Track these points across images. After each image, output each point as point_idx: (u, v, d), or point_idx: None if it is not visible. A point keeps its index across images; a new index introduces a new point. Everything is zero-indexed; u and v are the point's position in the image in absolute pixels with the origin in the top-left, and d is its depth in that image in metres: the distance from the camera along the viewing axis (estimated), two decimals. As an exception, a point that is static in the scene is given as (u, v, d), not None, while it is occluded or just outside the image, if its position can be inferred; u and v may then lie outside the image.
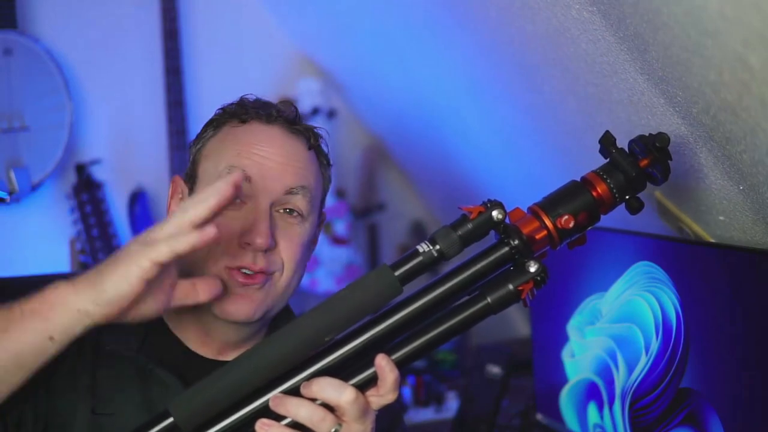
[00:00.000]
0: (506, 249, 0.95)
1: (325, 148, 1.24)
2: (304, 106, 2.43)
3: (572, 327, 1.64)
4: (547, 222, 0.96)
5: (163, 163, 2.31)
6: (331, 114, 2.48)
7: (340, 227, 2.47)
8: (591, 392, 1.59)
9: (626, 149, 1.02)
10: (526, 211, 0.99)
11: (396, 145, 2.67)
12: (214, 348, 1.17)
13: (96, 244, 2.15)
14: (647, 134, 1.03)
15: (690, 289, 1.34)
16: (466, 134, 2.15)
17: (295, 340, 0.93)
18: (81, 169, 2.18)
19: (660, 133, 1.01)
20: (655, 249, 1.42)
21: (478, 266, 0.95)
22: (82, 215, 2.15)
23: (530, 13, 1.44)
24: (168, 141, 2.28)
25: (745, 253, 1.26)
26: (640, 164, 1.01)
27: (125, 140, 2.35)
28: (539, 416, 1.79)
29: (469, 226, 0.95)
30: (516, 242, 0.95)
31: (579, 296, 1.61)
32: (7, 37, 2.03)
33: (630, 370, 1.47)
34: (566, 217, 0.95)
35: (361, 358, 0.94)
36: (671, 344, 1.38)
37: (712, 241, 1.42)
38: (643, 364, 1.44)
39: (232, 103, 1.23)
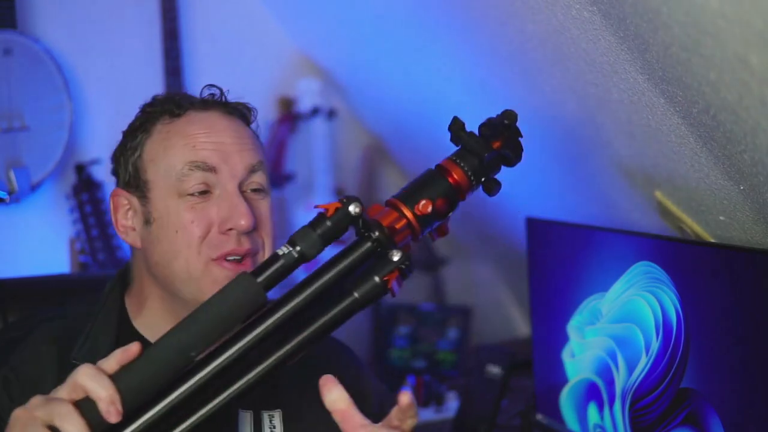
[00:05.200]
0: (368, 243, 0.94)
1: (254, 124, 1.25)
2: (304, 106, 2.43)
3: (572, 327, 1.64)
4: (406, 211, 0.95)
5: (163, 163, 2.30)
6: (331, 114, 2.48)
7: (340, 227, 2.46)
8: (591, 392, 1.59)
9: (476, 133, 1.01)
10: (384, 206, 0.98)
11: (396, 145, 2.67)
12: None
13: (96, 244, 2.15)
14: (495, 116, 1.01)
15: (690, 289, 1.34)
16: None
17: (159, 363, 0.88)
18: (81, 169, 2.18)
19: (507, 111, 1.00)
20: (655, 249, 1.42)
21: (342, 265, 0.94)
22: (81, 215, 2.15)
23: (530, 13, 1.44)
24: (168, 141, 2.28)
25: (745, 253, 1.26)
26: (493, 146, 1.00)
27: (125, 140, 2.35)
28: (539, 416, 1.79)
29: (328, 223, 0.94)
30: (377, 234, 0.93)
31: (579, 296, 1.61)
32: (7, 37, 2.03)
33: (630, 370, 1.47)
34: (424, 202, 0.94)
35: (236, 369, 0.90)
36: (671, 344, 1.37)
37: (712, 241, 1.41)
38: (643, 364, 1.44)
39: (150, 104, 1.23)
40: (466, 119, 1.03)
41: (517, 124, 1.00)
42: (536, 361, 1.78)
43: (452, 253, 2.77)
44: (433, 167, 0.99)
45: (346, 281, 0.95)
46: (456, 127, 1.01)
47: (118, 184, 1.22)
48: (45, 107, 2.11)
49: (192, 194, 1.14)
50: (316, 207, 0.96)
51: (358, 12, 2.12)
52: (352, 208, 0.93)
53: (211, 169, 1.14)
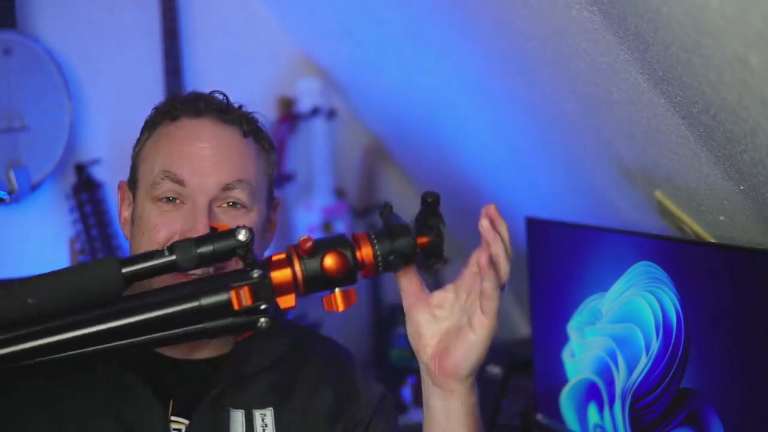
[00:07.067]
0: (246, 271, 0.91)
1: (265, 131, 1.22)
2: (304, 106, 2.43)
3: (572, 327, 1.64)
4: (291, 250, 0.92)
5: (163, 163, 2.30)
6: (331, 114, 2.48)
7: (340, 227, 2.47)
8: (591, 392, 1.59)
9: (400, 218, 0.98)
10: None
11: (396, 145, 2.66)
12: (183, 348, 1.17)
13: (95, 244, 2.15)
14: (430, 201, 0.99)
15: (690, 289, 1.34)
16: (465, 133, 2.15)
17: None
18: (81, 169, 2.18)
19: (426, 192, 0.99)
20: (655, 249, 1.42)
21: (214, 285, 0.91)
22: (81, 215, 2.15)
23: (530, 14, 1.44)
24: (168, 141, 2.28)
25: (745, 253, 1.26)
26: (418, 240, 0.99)
27: (125, 140, 2.34)
28: (539, 416, 1.79)
29: (211, 248, 0.90)
30: (251, 259, 0.91)
31: (579, 296, 1.61)
32: (7, 37, 2.03)
33: (630, 370, 1.47)
34: (304, 238, 0.91)
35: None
36: (671, 344, 1.37)
37: (712, 241, 1.41)
38: (643, 364, 1.44)
39: (163, 103, 1.23)
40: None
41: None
42: (536, 361, 1.78)
43: (452, 253, 2.77)
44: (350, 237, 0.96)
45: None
46: (386, 211, 1.00)
47: None
48: (45, 107, 2.11)
49: (162, 200, 1.14)
50: (211, 225, 0.93)
51: (358, 12, 2.12)
52: (241, 236, 0.90)
53: (180, 182, 1.13)
